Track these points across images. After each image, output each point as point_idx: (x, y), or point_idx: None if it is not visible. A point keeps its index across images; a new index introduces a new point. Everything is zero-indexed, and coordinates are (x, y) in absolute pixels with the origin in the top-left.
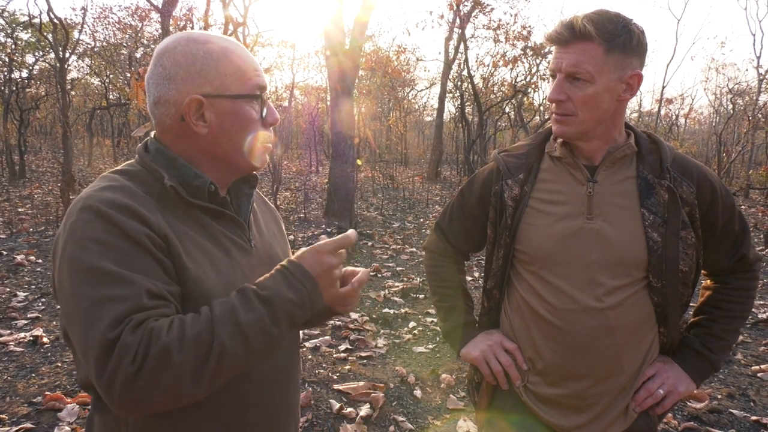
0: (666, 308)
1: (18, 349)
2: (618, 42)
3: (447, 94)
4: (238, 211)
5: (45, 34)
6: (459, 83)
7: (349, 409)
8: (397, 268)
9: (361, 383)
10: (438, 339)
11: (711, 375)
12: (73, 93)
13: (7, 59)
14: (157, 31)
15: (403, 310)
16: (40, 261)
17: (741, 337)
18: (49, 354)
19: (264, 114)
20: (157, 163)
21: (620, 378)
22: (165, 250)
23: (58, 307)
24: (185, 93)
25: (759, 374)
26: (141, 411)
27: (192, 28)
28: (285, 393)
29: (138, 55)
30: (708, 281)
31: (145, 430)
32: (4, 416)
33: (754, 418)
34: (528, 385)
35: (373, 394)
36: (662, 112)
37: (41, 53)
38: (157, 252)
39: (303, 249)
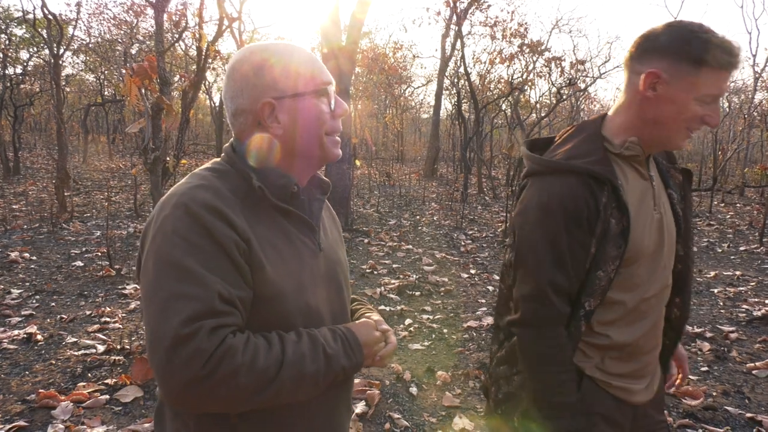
0: (685, 275)
1: (12, 346)
2: None
3: (444, 91)
4: (310, 214)
5: (39, 29)
6: (456, 80)
7: None
8: (393, 266)
9: (357, 380)
10: (434, 336)
11: None
12: (67, 89)
13: (0, 55)
14: (152, 27)
15: (399, 308)
16: (34, 258)
17: (736, 335)
18: (43, 351)
19: (333, 106)
20: (245, 163)
21: (660, 345)
22: (246, 253)
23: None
24: (258, 99)
25: (754, 371)
26: (189, 408)
27: (186, 23)
28: (343, 393)
29: (133, 52)
30: None
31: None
32: None
33: (749, 415)
34: (604, 368)
35: (368, 392)
36: None
37: (35, 49)
38: (238, 257)
39: (362, 320)
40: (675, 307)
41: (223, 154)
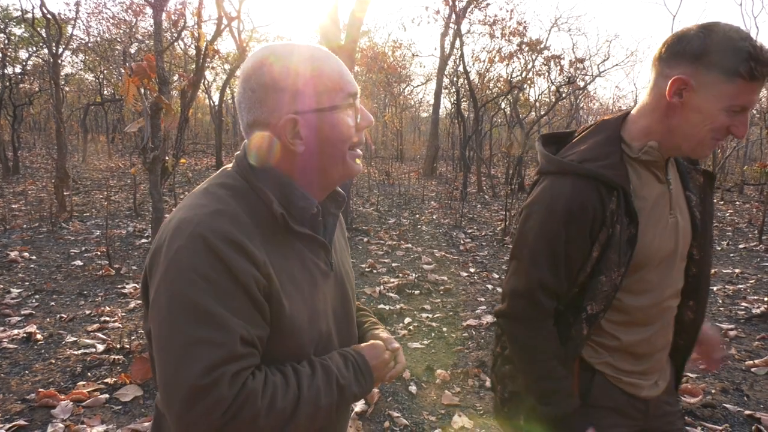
0: (700, 279)
1: (11, 346)
2: None
3: (443, 90)
4: (324, 233)
5: (38, 29)
6: (455, 79)
7: None
8: (393, 264)
9: None
10: (433, 335)
11: None
12: (67, 89)
13: (0, 54)
14: (151, 26)
15: (398, 306)
16: (33, 258)
17: (735, 332)
18: (42, 351)
19: (359, 119)
20: (263, 182)
21: (670, 344)
22: (266, 290)
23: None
24: (278, 113)
25: (753, 369)
26: None
27: (185, 23)
28: (345, 416)
29: (132, 51)
30: None
31: None
32: None
33: (747, 412)
34: (615, 365)
35: None
36: None
37: (34, 48)
38: (258, 294)
39: (370, 342)
40: (689, 310)
41: (234, 164)
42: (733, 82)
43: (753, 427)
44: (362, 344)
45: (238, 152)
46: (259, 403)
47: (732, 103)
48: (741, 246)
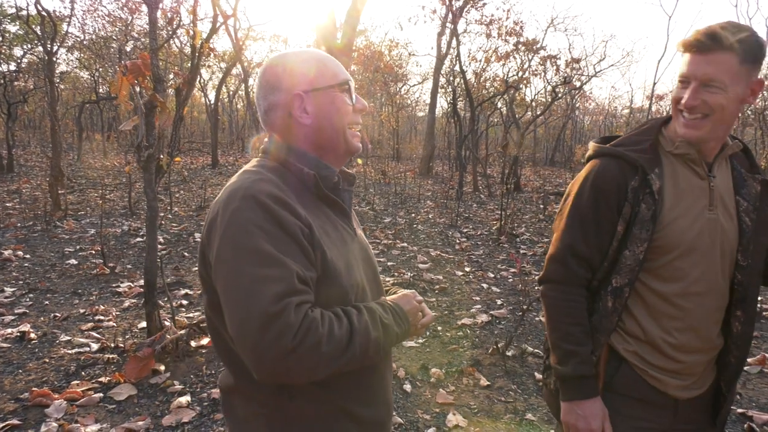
0: (747, 288)
1: (5, 345)
2: (750, 53)
3: (439, 90)
4: (343, 202)
5: (33, 26)
6: (451, 78)
7: None
8: (388, 263)
9: None
10: (428, 333)
11: None
12: (62, 86)
13: None
14: (146, 24)
15: None
16: (27, 256)
17: None
18: (36, 350)
19: (354, 101)
20: (290, 157)
21: (715, 352)
22: (309, 238)
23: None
24: (288, 93)
25: (745, 368)
26: (279, 379)
27: (180, 20)
28: (389, 371)
29: (128, 49)
30: None
31: (283, 405)
32: None
33: (740, 410)
34: (642, 356)
35: None
36: (653, 108)
37: (29, 46)
38: (304, 241)
39: (399, 294)
40: (736, 321)
41: (262, 155)
42: (682, 56)
43: (746, 425)
44: (391, 297)
45: (263, 146)
46: (320, 329)
47: (678, 74)
48: None
